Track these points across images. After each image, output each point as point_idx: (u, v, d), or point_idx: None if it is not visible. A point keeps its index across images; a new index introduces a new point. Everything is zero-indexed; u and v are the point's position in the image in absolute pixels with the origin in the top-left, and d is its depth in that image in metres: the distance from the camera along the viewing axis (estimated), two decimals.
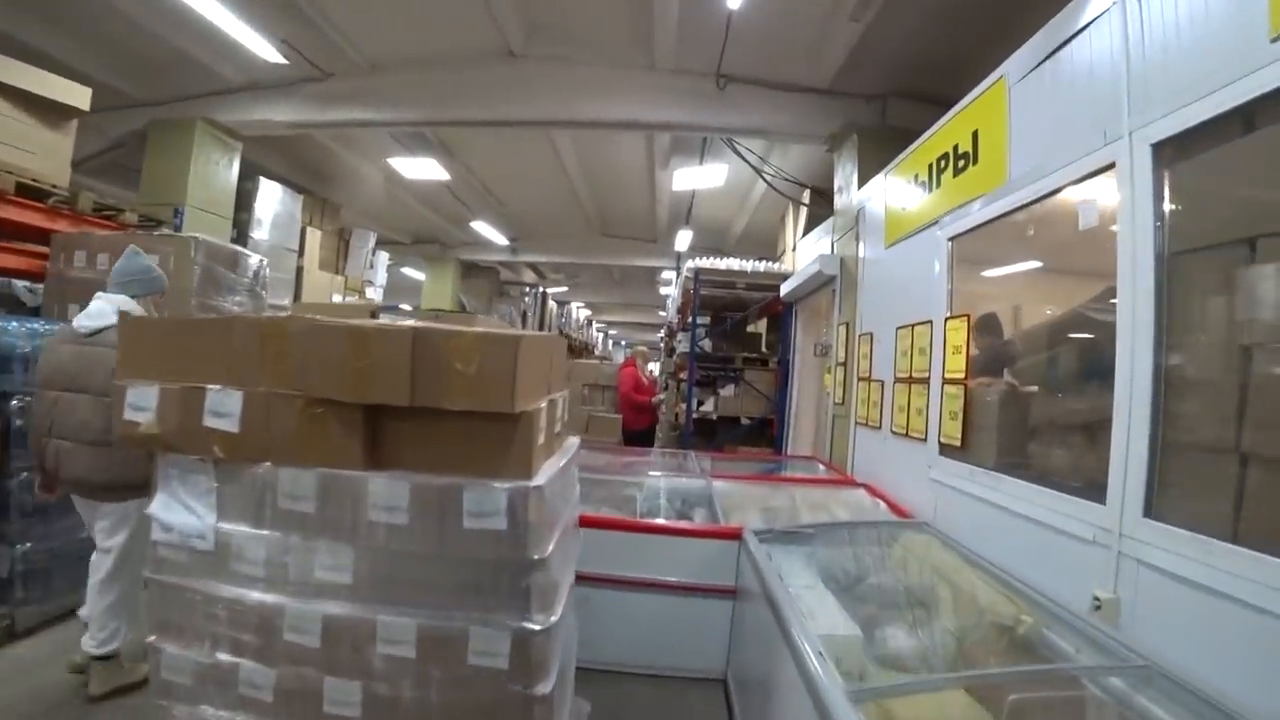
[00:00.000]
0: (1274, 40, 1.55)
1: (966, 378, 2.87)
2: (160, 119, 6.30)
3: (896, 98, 5.09)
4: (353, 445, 1.80)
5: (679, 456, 5.54)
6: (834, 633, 1.99)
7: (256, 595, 1.88)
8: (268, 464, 1.87)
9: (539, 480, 1.79)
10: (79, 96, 4.52)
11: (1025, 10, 2.85)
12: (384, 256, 10.10)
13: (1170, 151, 1.94)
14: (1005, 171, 2.78)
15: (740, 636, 2.97)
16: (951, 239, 3.25)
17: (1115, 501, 1.97)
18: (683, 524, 3.37)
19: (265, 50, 5.15)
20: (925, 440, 3.28)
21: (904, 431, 3.58)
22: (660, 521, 3.35)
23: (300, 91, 6.05)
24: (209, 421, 1.91)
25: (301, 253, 7.56)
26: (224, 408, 1.90)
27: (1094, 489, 2.08)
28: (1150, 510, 1.87)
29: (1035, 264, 3.10)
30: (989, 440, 2.71)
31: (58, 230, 4.57)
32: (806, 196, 7.09)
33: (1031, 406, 2.64)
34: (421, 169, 7.87)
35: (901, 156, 4.09)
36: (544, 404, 1.95)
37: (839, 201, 5.49)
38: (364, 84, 5.97)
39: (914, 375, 3.49)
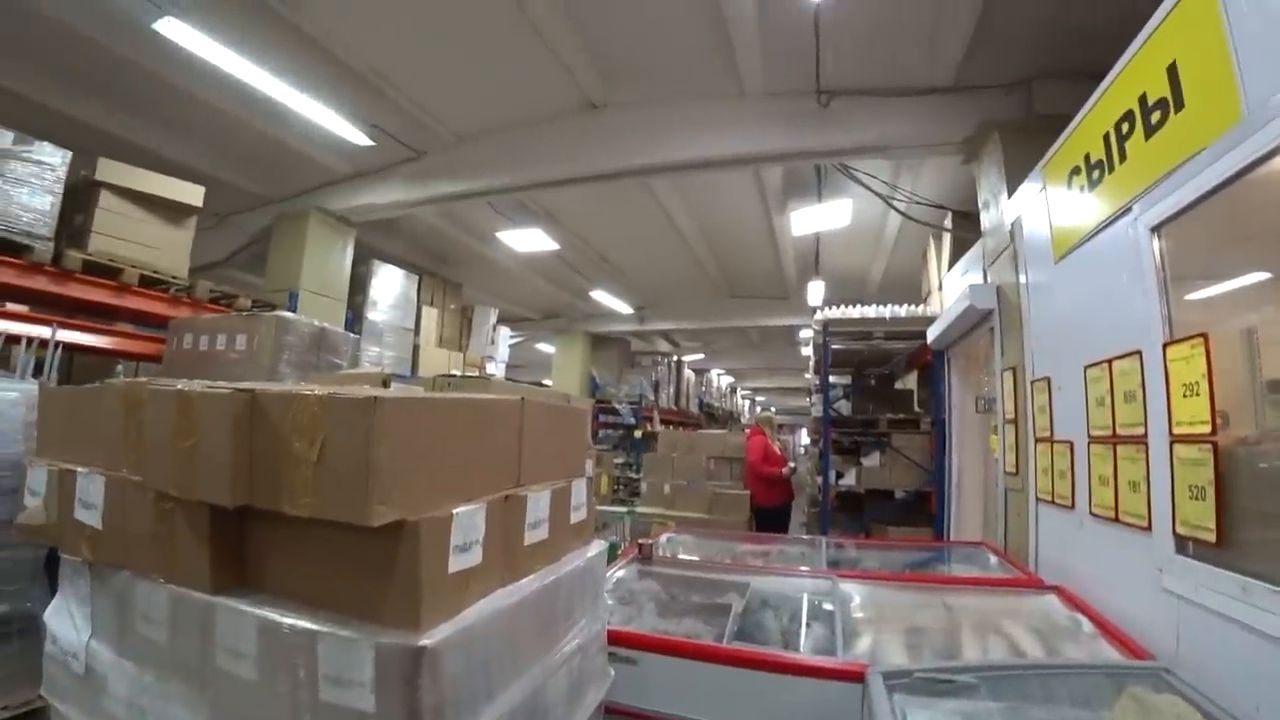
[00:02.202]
0: None
1: (1214, 432, 1.79)
2: (284, 213, 6.84)
3: (1044, 80, 4.04)
4: (199, 556, 1.24)
5: (806, 544, 4.53)
6: None
7: None
8: (126, 573, 1.40)
9: (440, 633, 1.10)
10: (193, 195, 4.84)
11: None
12: (505, 332, 10.23)
13: None
14: (1237, 102, 1.78)
15: None
16: (1155, 228, 2.22)
17: None
18: (779, 655, 2.45)
19: (356, 136, 5.31)
20: (1149, 529, 2.16)
21: (1111, 514, 2.44)
22: (746, 648, 2.46)
23: (397, 173, 6.28)
24: (78, 513, 1.50)
25: (418, 331, 7.75)
26: (90, 497, 1.48)
27: None
28: None
29: None
30: (1276, 535, 1.60)
31: (177, 316, 4.89)
32: (949, 221, 5.98)
33: None
34: (530, 240, 7.85)
35: (1061, 140, 3.09)
36: (473, 507, 1.28)
37: (987, 219, 4.44)
38: (453, 157, 6.02)
39: (1119, 432, 2.40)
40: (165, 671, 1.30)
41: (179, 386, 1.24)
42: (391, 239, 8.34)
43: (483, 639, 1.22)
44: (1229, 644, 1.72)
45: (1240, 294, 2.13)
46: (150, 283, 4.67)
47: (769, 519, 6.86)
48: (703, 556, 4.07)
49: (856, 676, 2.11)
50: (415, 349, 7.75)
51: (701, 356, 18.84)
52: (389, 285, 7.44)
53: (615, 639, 2.23)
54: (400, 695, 1.05)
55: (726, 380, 23.59)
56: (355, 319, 6.79)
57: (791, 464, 6.71)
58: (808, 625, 2.81)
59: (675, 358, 16.27)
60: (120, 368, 5.49)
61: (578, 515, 1.81)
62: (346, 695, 1.07)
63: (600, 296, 11.20)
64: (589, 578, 1.79)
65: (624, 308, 12.04)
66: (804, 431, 11.42)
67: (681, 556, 3.93)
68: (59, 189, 4.08)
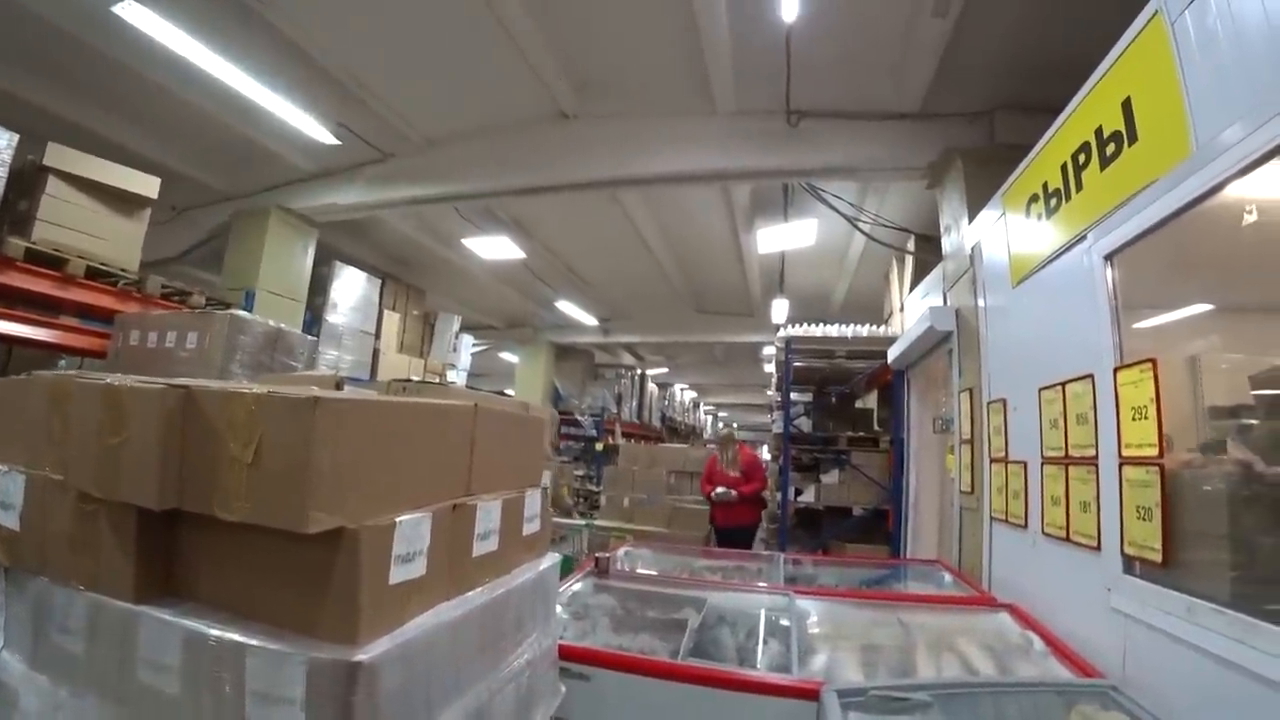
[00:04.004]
0: None
1: (1162, 455, 1.83)
2: (242, 210, 6.65)
3: (1006, 111, 4.19)
4: (123, 562, 1.16)
5: (763, 560, 4.53)
6: None
7: None
8: (44, 579, 1.30)
9: (379, 648, 1.05)
10: (147, 186, 4.67)
11: None
12: (468, 340, 10.10)
13: None
14: (1187, 138, 1.86)
15: None
16: (1109, 256, 2.29)
17: None
18: (734, 672, 2.42)
19: (323, 135, 5.20)
20: (1098, 549, 2.21)
21: (1063, 534, 2.50)
22: (701, 665, 2.43)
23: (363, 174, 6.18)
24: None
25: (378, 335, 7.60)
26: (9, 497, 1.38)
27: None
28: None
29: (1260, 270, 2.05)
30: (1218, 556, 1.65)
31: (125, 311, 4.67)
32: (911, 244, 6.12)
33: None
34: (496, 248, 7.78)
35: (1020, 169, 3.19)
36: (418, 516, 1.23)
37: (948, 243, 4.55)
38: (422, 161, 5.94)
39: (1071, 454, 2.45)
40: (81, 685, 1.21)
41: (108, 380, 1.16)
42: (355, 241, 8.17)
43: (424, 654, 1.16)
44: (1174, 662, 1.76)
45: (1186, 322, 2.20)
46: (97, 275, 4.48)
47: (728, 537, 6.74)
48: (660, 571, 4.03)
49: (811, 694, 2.09)
50: (375, 354, 7.58)
51: (665, 370, 18.89)
52: (350, 288, 7.28)
53: (568, 654, 2.17)
54: (333, 714, 0.99)
55: (690, 395, 23.70)
56: (314, 321, 6.62)
57: (720, 490, 6.12)
58: (764, 642, 2.79)
59: (639, 371, 16.29)
60: (63, 363, 5.24)
61: (531, 527, 1.76)
62: (274, 713, 1.00)
63: (565, 307, 11.16)
64: (540, 591, 1.74)
65: (589, 319, 12.01)
66: (765, 448, 11.53)
67: (639, 571, 3.89)
68: (3, 173, 3.91)
